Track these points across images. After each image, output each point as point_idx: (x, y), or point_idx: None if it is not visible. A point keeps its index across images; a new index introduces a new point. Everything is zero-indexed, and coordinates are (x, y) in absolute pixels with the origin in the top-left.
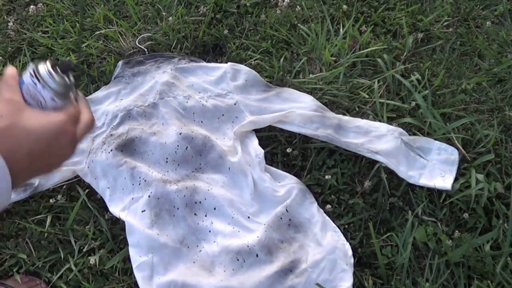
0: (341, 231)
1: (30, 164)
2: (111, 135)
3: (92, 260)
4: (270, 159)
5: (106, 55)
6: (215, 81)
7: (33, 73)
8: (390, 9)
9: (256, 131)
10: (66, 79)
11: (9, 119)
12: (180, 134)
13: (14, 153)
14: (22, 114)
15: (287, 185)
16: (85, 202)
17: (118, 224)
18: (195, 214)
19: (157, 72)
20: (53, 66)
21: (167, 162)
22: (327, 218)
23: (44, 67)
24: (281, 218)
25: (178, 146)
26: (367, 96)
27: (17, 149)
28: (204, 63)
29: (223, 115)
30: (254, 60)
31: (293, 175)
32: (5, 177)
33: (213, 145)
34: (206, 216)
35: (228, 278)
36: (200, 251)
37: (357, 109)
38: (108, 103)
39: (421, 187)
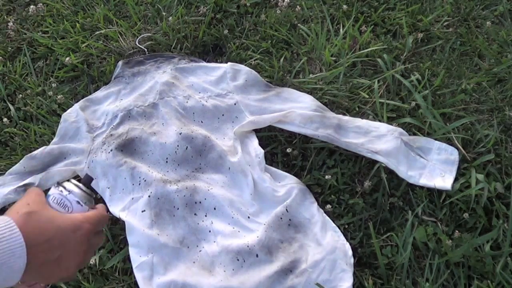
0: (341, 231)
1: (46, 253)
2: (111, 135)
3: (92, 260)
4: (270, 159)
5: (106, 55)
6: (215, 81)
7: (58, 185)
8: (390, 9)
9: (256, 131)
10: (88, 190)
11: (36, 207)
12: (180, 134)
13: (35, 236)
14: (47, 208)
15: (287, 185)
16: None
17: (118, 224)
18: (195, 214)
19: (157, 72)
20: (78, 180)
21: (167, 162)
22: (327, 218)
23: (70, 182)
24: (281, 218)
25: (178, 146)
26: (367, 96)
27: (39, 232)
28: (204, 63)
29: (223, 115)
30: (254, 60)
31: (293, 175)
32: (22, 256)
33: (213, 145)
34: (206, 216)
35: (228, 278)
36: (200, 251)
37: (357, 109)
38: (108, 103)
39: (421, 187)
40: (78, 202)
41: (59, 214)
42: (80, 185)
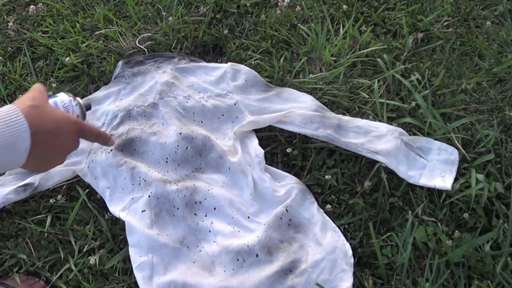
0: (341, 231)
1: (45, 142)
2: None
3: (92, 260)
4: (270, 159)
5: (106, 55)
6: (215, 81)
7: (69, 94)
8: (390, 9)
9: (256, 131)
10: (85, 112)
11: (39, 102)
12: (180, 134)
13: (37, 126)
14: (49, 105)
15: (287, 185)
16: (85, 202)
17: (118, 224)
18: (195, 214)
19: (157, 72)
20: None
21: (167, 162)
22: (327, 218)
23: (79, 98)
24: (281, 218)
25: (178, 146)
26: (367, 96)
27: (40, 124)
28: (204, 63)
29: (223, 115)
30: (254, 60)
31: (293, 175)
32: (26, 139)
33: (213, 145)
34: (206, 216)
35: (228, 278)
36: (200, 251)
37: (357, 109)
38: (108, 103)
39: (421, 187)
40: (78, 116)
41: (58, 110)
42: (83, 105)
